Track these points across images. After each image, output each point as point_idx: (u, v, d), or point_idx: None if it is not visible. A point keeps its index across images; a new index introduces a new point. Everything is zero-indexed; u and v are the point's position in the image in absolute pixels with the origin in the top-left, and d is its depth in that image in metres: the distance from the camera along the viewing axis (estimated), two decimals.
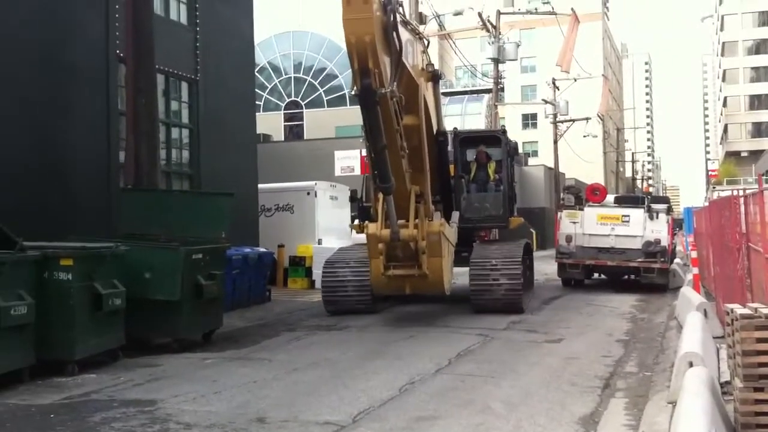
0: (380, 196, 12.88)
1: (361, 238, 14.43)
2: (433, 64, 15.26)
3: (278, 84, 50.66)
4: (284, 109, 50.54)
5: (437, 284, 13.85)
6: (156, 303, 10.92)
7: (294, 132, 49.61)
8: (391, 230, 12.82)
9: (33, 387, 8.88)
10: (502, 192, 17.14)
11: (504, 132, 18.27)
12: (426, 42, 15.01)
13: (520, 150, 73.35)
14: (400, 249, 13.24)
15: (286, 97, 50.64)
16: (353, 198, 17.05)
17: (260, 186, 21.16)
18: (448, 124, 18.05)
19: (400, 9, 11.70)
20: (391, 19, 11.35)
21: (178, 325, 11.22)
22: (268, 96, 50.08)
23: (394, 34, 11.44)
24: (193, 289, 11.27)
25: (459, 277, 17.22)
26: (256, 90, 26.90)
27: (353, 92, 11.44)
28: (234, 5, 20.30)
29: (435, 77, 15.34)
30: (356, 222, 15.76)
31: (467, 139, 17.91)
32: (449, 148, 16.88)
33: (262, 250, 18.13)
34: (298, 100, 50.20)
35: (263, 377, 9.42)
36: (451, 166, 17.08)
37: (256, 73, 28.81)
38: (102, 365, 10.06)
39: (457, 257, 15.70)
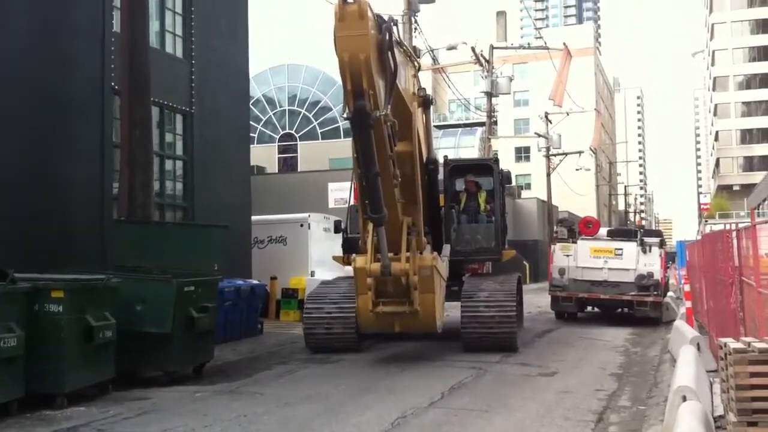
0: (369, 227, 12.17)
1: (351, 270, 13.43)
2: (424, 89, 14.71)
3: (273, 116, 50.89)
4: (278, 141, 50.70)
5: (429, 322, 13.08)
6: (147, 335, 10.84)
7: (288, 164, 49.73)
8: (381, 264, 12.03)
9: (21, 420, 8.78)
10: (494, 223, 16.36)
11: (496, 161, 17.40)
12: (417, 65, 14.30)
13: (513, 182, 73.79)
14: (391, 284, 12.46)
15: (280, 129, 50.85)
16: (338, 228, 16.06)
17: (254, 218, 21.15)
18: (442, 157, 17.44)
19: (395, 28, 11.02)
20: (387, 37, 10.65)
21: (169, 357, 11.14)
22: (262, 128, 50.27)
23: (389, 54, 10.74)
24: (185, 322, 11.20)
25: (450, 310, 16.71)
26: (251, 122, 26.99)
27: (345, 115, 10.82)
28: (229, 39, 20.43)
29: (426, 103, 14.68)
30: (344, 255, 14.94)
31: (458, 167, 17.19)
32: (439, 177, 16.21)
33: (254, 282, 18.07)
34: (293, 132, 50.41)
35: (254, 411, 9.34)
36: (441, 196, 16.28)
37: (251, 106, 28.90)
38: (92, 398, 9.96)
39: (446, 292, 14.94)
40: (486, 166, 17.31)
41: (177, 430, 8.37)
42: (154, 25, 17.50)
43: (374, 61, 10.32)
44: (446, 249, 15.24)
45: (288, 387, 11.20)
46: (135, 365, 11.15)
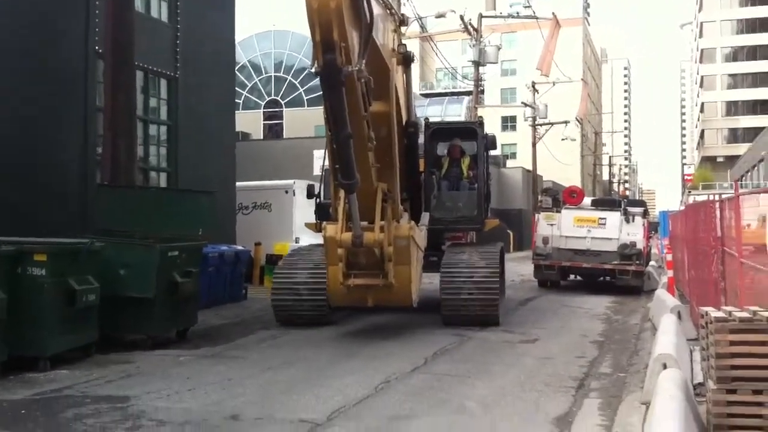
0: (341, 194, 11.13)
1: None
2: (405, 45, 13.52)
3: (258, 83, 50.48)
4: (264, 108, 50.37)
5: (404, 296, 12.16)
6: (130, 300, 10.83)
7: (273, 131, 49.45)
8: (353, 233, 11.17)
9: (4, 382, 8.78)
10: (477, 190, 15.21)
11: (480, 124, 16.07)
12: (397, 19, 13.11)
13: (499, 150, 73.79)
14: (363, 255, 11.62)
15: (266, 95, 50.47)
16: (311, 194, 14.68)
17: (238, 184, 21.07)
18: (423, 119, 16.38)
19: None
20: None
21: (152, 322, 11.14)
22: (247, 94, 49.89)
23: (365, 1, 9.71)
24: (169, 287, 11.19)
25: (431, 278, 15.29)
26: (236, 88, 26.79)
27: (313, 69, 9.52)
28: (215, 4, 20.20)
29: (406, 60, 13.55)
30: (317, 222, 13.86)
31: (440, 131, 16.05)
32: (419, 140, 15.21)
33: (239, 248, 18.05)
34: (278, 99, 50.07)
35: (238, 375, 9.38)
36: (421, 161, 15.24)
37: (237, 72, 28.66)
38: (75, 361, 9.97)
39: (425, 262, 14.06)
40: (470, 129, 16.12)
41: (161, 392, 8.40)
42: None
43: (347, 9, 9.31)
44: (425, 217, 14.31)
45: (271, 352, 11.25)
46: (118, 329, 11.15)
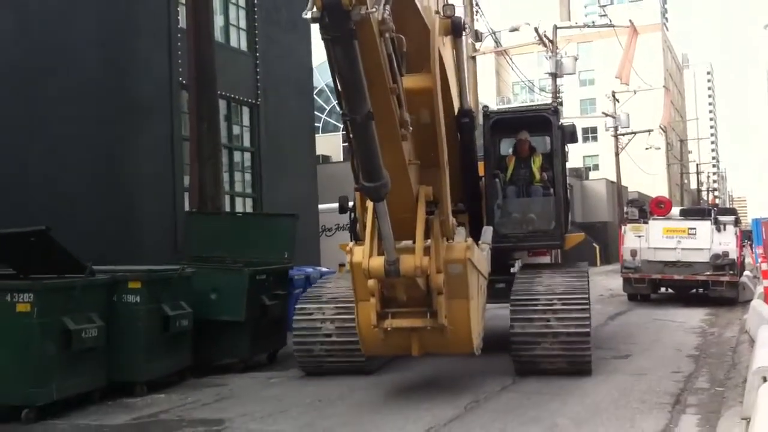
0: (370, 204, 8.18)
1: None
2: (453, 6, 10.14)
3: (336, 106, 51.14)
4: (342, 131, 50.95)
5: (461, 341, 9.07)
6: (222, 324, 11.08)
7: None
8: (386, 259, 8.15)
9: (104, 408, 9.07)
10: (554, 197, 12.24)
11: (555, 110, 12.82)
12: None
13: (581, 163, 72.65)
14: (403, 288, 8.58)
15: None
16: (343, 208, 11.38)
17: (320, 206, 21.34)
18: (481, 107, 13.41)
19: None
20: None
21: (243, 345, 11.35)
22: (326, 118, 50.58)
23: None
24: (258, 310, 11.40)
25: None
26: (315, 112, 27.21)
27: (309, 15, 6.14)
28: (292, 30, 20.60)
29: (456, 28, 9.97)
30: (351, 243, 9.49)
31: (503, 122, 12.76)
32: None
33: (323, 269, 18.24)
34: None
35: (328, 396, 9.46)
36: (480, 162, 12.21)
37: (315, 96, 29.11)
38: (170, 386, 10.22)
39: (489, 291, 10.94)
40: (541, 118, 12.59)
41: (254, 415, 8.54)
42: (218, 20, 17.77)
43: None
44: (487, 233, 11.08)
45: (358, 372, 11.23)
46: (211, 353, 11.38)
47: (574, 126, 13.06)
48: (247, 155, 19.03)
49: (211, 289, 11.12)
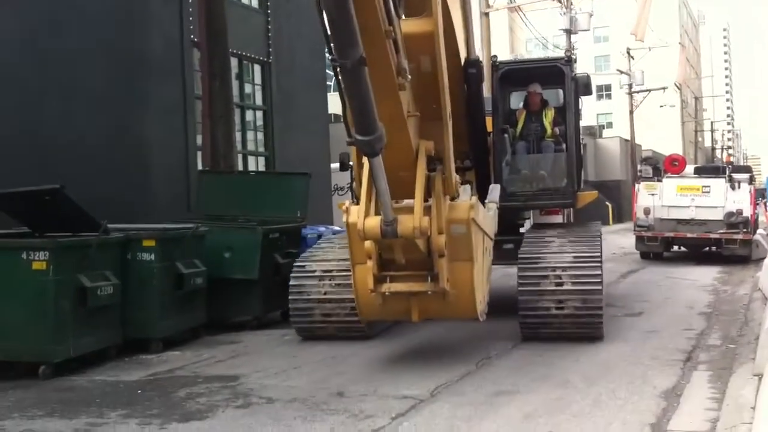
0: (366, 161, 7.50)
1: None
2: None
3: (326, 51, 50.75)
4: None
5: (465, 306, 8.51)
6: (235, 282, 11.15)
7: None
8: (382, 218, 7.52)
9: (120, 364, 9.18)
10: (566, 153, 11.67)
11: (569, 60, 11.96)
12: None
13: (594, 121, 71.99)
14: (401, 250, 7.98)
15: None
16: (344, 164, 11.16)
17: (333, 165, 21.29)
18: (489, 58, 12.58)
19: None
20: None
21: (256, 303, 11.44)
22: None
23: None
24: (271, 268, 11.45)
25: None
26: (328, 70, 27.04)
27: None
28: None
29: None
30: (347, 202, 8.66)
31: (513, 73, 12.04)
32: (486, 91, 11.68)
33: (336, 228, 18.27)
34: None
35: (341, 353, 9.53)
36: (489, 118, 11.59)
37: (327, 54, 28.94)
38: (185, 343, 10.33)
39: (497, 252, 10.46)
40: (554, 69, 11.84)
41: (268, 371, 8.63)
42: None
43: None
44: (494, 191, 10.48)
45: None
46: (225, 311, 11.47)
47: (588, 77, 12.38)
48: (259, 114, 19.00)
49: (224, 248, 11.18)
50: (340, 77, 6.27)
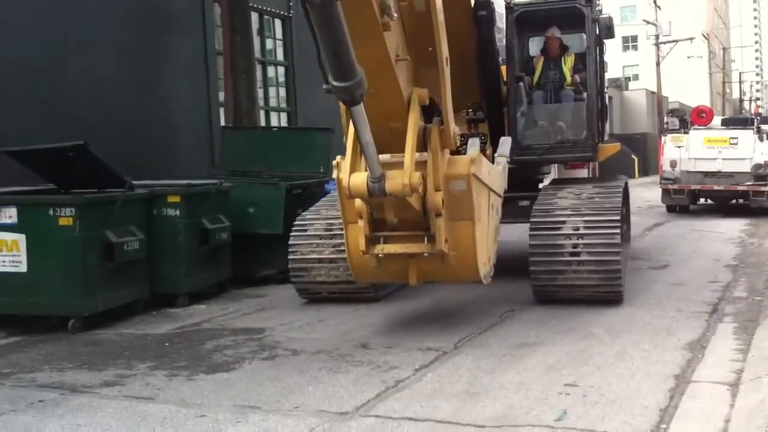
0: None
1: None
2: None
3: None
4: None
5: (465, 268, 7.77)
6: (260, 237, 11.22)
7: None
8: (369, 175, 6.73)
9: (147, 318, 9.31)
10: (587, 101, 10.86)
11: (589, 1, 10.88)
12: None
13: (621, 73, 70.94)
14: (393, 209, 7.21)
15: None
16: None
17: None
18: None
19: None
20: None
21: (281, 257, 11.45)
22: None
23: None
24: None
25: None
26: None
27: None
28: None
29: None
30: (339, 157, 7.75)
31: (529, 15, 11.19)
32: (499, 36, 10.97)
33: None
34: None
35: (365, 307, 9.58)
36: (503, 67, 10.93)
37: None
38: (211, 297, 10.45)
39: (511, 208, 9.94)
40: (573, 11, 10.85)
41: (293, 324, 8.71)
42: None
43: None
44: (504, 144, 9.67)
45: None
46: (250, 266, 11.55)
47: (610, 18, 11.39)
48: (281, 69, 18.91)
49: (248, 203, 11.24)
50: (311, 21, 5.25)
